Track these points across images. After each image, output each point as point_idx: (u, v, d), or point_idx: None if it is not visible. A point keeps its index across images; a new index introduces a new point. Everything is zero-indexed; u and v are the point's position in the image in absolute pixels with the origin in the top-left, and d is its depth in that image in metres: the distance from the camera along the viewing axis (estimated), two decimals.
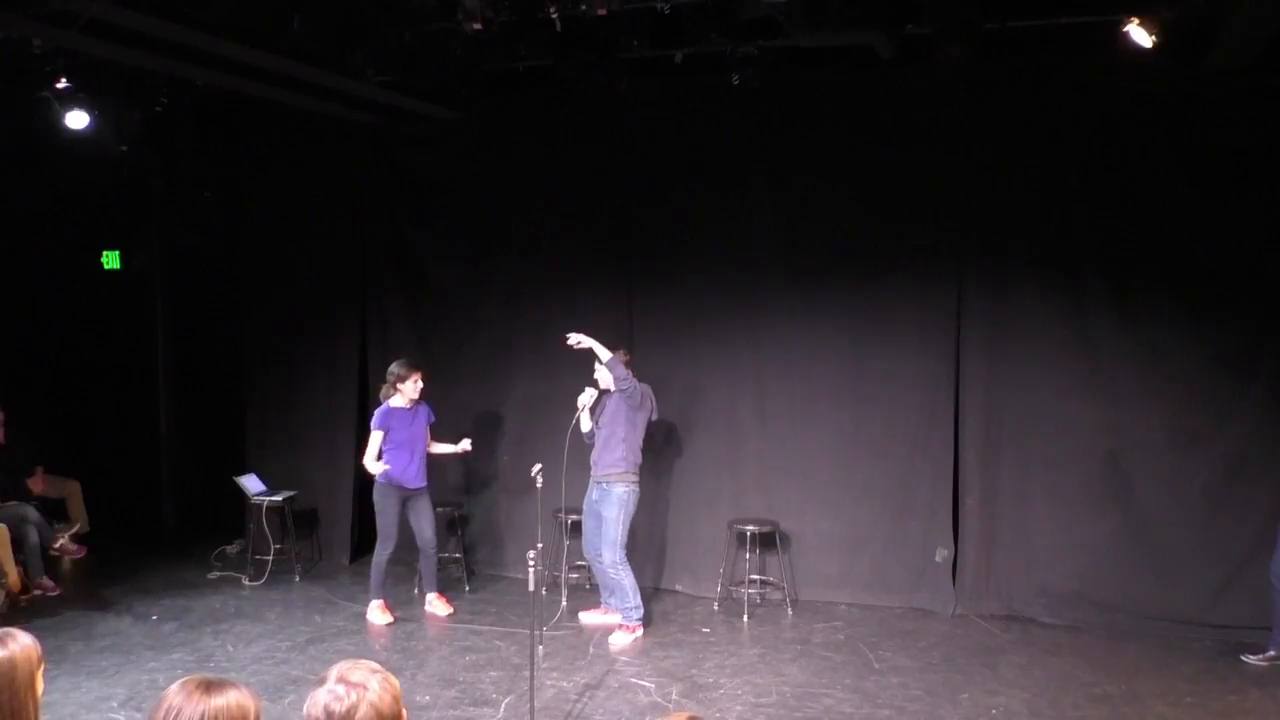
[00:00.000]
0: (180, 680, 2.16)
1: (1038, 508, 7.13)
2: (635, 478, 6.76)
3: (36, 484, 8.07)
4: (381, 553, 7.01)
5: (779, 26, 5.92)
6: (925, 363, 7.28)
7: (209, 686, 2.12)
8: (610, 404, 6.77)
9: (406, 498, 7.02)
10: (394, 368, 7.02)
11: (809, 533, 7.56)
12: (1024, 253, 7.07)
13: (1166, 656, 6.40)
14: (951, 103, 7.06)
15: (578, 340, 6.57)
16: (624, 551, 6.73)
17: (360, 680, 2.06)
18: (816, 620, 7.16)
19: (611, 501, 6.70)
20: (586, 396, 6.82)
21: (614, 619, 6.85)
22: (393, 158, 8.48)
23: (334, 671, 2.10)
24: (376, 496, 7.03)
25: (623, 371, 6.58)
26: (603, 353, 6.57)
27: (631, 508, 6.75)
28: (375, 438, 6.91)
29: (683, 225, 7.72)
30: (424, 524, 7.10)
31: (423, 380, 7.01)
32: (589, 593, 7.47)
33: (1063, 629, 6.92)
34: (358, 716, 2.01)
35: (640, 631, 6.75)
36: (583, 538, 7.12)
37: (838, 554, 7.52)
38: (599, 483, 6.79)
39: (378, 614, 7.02)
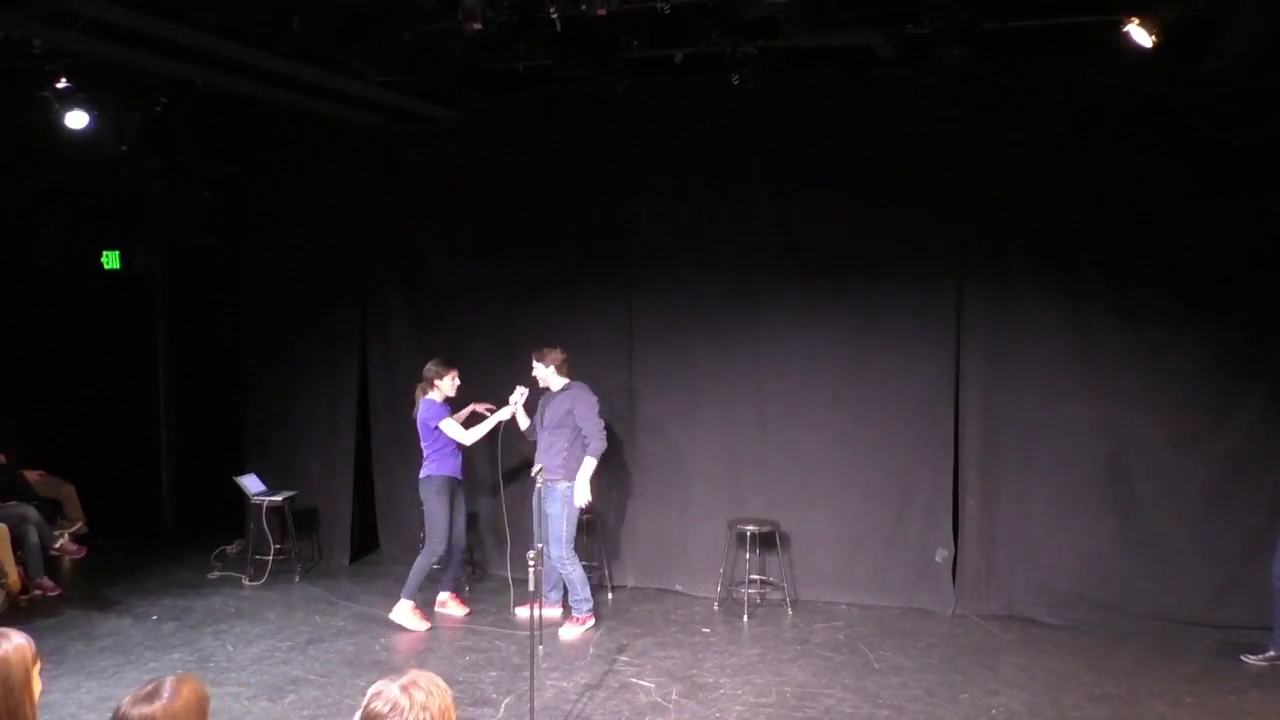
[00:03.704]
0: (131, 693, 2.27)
1: (1038, 508, 7.13)
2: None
3: (32, 475, 8.10)
4: (429, 556, 6.86)
5: (779, 26, 5.92)
6: (925, 363, 7.27)
7: (150, 695, 2.25)
8: (552, 411, 6.83)
9: (453, 492, 6.96)
10: (431, 366, 7.00)
11: (809, 533, 7.55)
12: (1024, 253, 7.07)
13: (1166, 656, 6.39)
14: (951, 103, 7.06)
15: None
16: (571, 546, 6.79)
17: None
18: (816, 620, 7.16)
19: (555, 499, 6.76)
20: (518, 395, 6.87)
21: (555, 612, 6.94)
22: (393, 158, 8.47)
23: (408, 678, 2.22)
24: (428, 495, 6.87)
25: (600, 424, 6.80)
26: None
27: (575, 504, 6.81)
28: (452, 424, 6.86)
29: (683, 225, 7.71)
30: (461, 520, 7.06)
31: (459, 377, 7.03)
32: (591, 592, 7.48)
33: (1063, 629, 6.91)
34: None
35: (591, 622, 6.84)
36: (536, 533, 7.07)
37: (838, 554, 7.51)
38: (545, 483, 6.78)
39: (410, 617, 6.84)
